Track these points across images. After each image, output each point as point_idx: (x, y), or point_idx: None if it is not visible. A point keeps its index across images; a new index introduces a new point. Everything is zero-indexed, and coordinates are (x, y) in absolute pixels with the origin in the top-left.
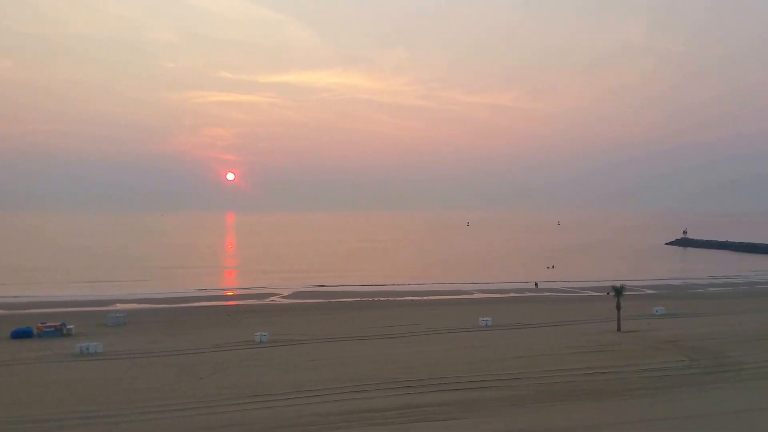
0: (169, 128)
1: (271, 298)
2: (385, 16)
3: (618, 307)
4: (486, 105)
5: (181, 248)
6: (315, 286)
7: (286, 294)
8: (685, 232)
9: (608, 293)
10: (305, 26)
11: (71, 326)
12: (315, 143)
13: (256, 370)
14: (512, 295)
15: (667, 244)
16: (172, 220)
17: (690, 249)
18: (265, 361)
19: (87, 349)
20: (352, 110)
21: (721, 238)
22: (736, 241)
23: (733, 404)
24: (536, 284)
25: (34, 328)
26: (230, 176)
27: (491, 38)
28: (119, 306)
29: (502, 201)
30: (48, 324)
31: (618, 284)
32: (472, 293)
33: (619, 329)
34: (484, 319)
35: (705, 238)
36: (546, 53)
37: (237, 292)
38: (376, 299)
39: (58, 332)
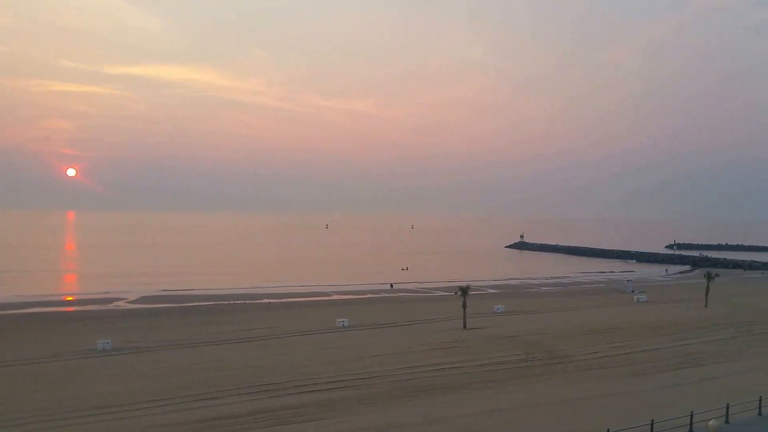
0: (2, 118)
1: (116, 303)
2: (244, 14)
3: (464, 306)
4: (344, 110)
5: (13, 250)
6: (164, 290)
7: (132, 299)
8: (522, 236)
9: (456, 293)
10: (156, 17)
11: None
12: (168, 140)
13: (98, 380)
14: (369, 296)
15: (507, 247)
16: (1, 218)
17: (526, 251)
18: (107, 371)
19: None
20: (207, 108)
21: (553, 242)
22: (566, 245)
23: (564, 393)
24: (391, 285)
25: None
26: (71, 172)
27: (350, 46)
28: None
29: (360, 204)
30: None
31: (464, 284)
32: (329, 295)
33: (465, 327)
34: (342, 320)
35: (539, 242)
36: (402, 64)
37: (77, 297)
38: (231, 303)
39: None
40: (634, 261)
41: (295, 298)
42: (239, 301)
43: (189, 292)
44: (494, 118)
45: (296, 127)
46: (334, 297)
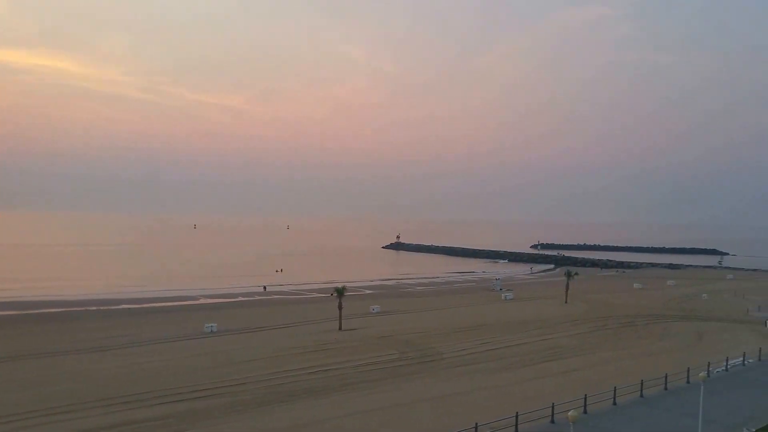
0: None
1: None
2: None
3: (339, 307)
4: (215, 105)
5: None
6: (6, 296)
7: None
8: (398, 237)
9: (332, 294)
10: None
11: None
12: (15, 130)
13: None
14: (240, 299)
15: (383, 247)
16: None
17: (402, 252)
18: None
19: None
20: (60, 97)
21: (428, 243)
22: (441, 245)
23: (435, 390)
24: (265, 288)
25: None
26: None
27: (223, 38)
28: None
29: (232, 204)
30: None
31: (340, 286)
32: (197, 299)
33: (340, 328)
34: (210, 325)
35: (415, 243)
36: (275, 61)
37: None
38: (87, 309)
39: None
40: (507, 261)
41: (159, 303)
42: (93, 308)
43: (36, 298)
44: (372, 119)
45: (161, 121)
46: (202, 301)
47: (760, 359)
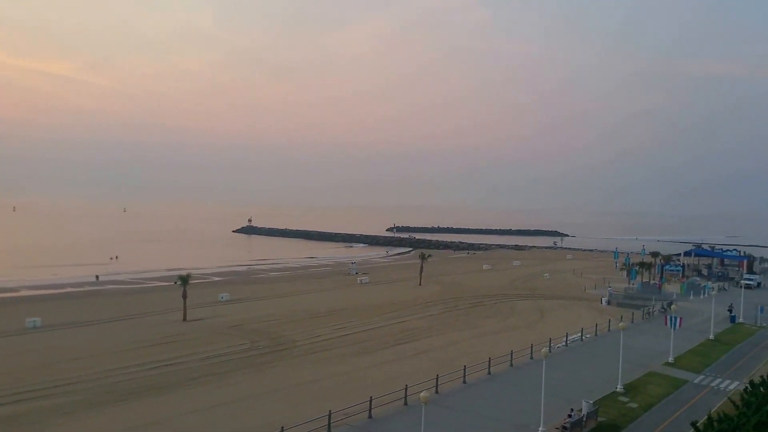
0: None
1: None
2: None
3: (184, 296)
4: (39, 72)
5: None
6: None
7: None
8: (250, 221)
9: (175, 282)
10: None
11: None
12: None
13: None
14: (69, 290)
15: (234, 231)
16: None
17: (255, 236)
18: None
19: None
20: None
21: (282, 226)
22: (296, 229)
23: (289, 379)
24: (97, 277)
25: None
26: None
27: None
28: None
29: (60, 184)
30: None
31: (185, 273)
32: (17, 290)
33: (185, 319)
34: (33, 319)
35: (267, 226)
36: (113, 24)
37: None
38: None
39: None
40: (363, 244)
41: None
42: None
43: None
44: (222, 96)
45: None
46: (23, 293)
47: (596, 334)
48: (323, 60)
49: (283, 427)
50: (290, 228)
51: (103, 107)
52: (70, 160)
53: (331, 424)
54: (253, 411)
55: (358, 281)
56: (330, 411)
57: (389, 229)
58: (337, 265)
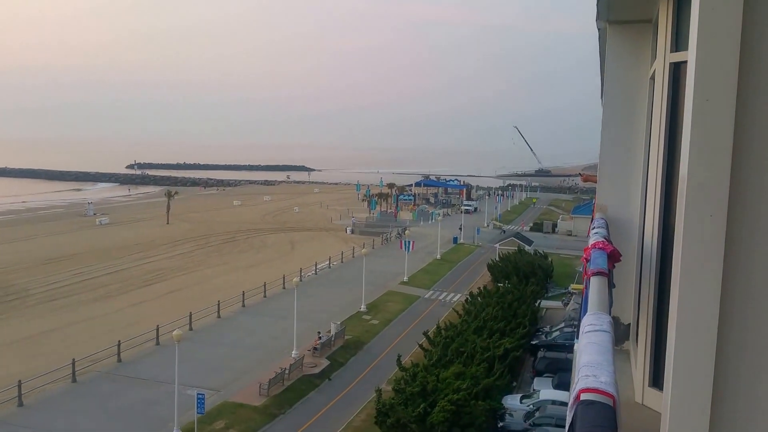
0: None
1: None
2: None
3: None
4: None
5: None
6: None
7: None
8: None
9: None
10: None
11: None
12: None
13: None
14: None
15: None
16: None
17: None
18: None
19: None
20: None
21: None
22: (16, 167)
23: (23, 331)
24: None
25: None
26: None
27: None
28: None
29: None
30: None
31: None
32: None
33: None
34: None
35: None
36: None
37: None
38: None
39: None
40: (100, 183)
41: None
42: None
43: None
44: None
45: None
46: None
47: (342, 261)
48: None
49: (20, 381)
50: (10, 167)
51: None
52: None
53: (76, 372)
54: None
55: (98, 222)
56: (73, 359)
57: (129, 166)
58: (71, 206)
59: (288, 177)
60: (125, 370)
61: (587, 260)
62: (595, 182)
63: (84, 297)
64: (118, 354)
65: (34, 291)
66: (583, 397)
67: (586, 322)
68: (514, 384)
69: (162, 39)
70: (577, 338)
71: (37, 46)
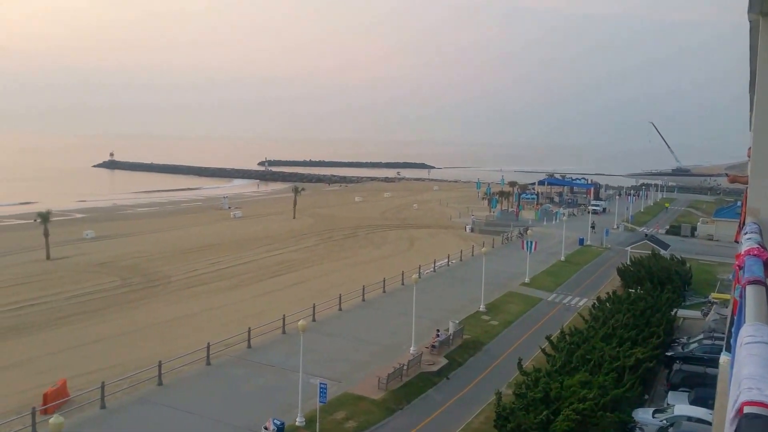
0: None
1: None
2: None
3: (46, 234)
4: None
5: None
6: None
7: None
8: (112, 155)
9: (35, 220)
10: None
11: None
12: None
13: None
14: None
15: (95, 166)
16: None
17: (118, 171)
18: None
19: None
20: None
21: (147, 161)
22: (162, 163)
23: (164, 315)
24: None
25: None
26: None
27: None
28: None
29: None
30: None
31: (44, 210)
32: None
33: (48, 257)
34: None
35: (131, 161)
36: None
37: None
38: None
39: None
40: (235, 178)
41: None
42: None
43: None
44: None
45: None
46: None
47: (461, 260)
48: None
49: (160, 361)
50: (156, 162)
51: None
52: None
53: (210, 356)
54: (128, 347)
55: (232, 215)
56: (208, 343)
57: (261, 163)
58: (208, 199)
59: (398, 173)
60: (254, 355)
61: (740, 268)
62: (745, 183)
63: (218, 285)
64: (248, 340)
65: (175, 278)
66: (747, 410)
67: (745, 334)
68: (646, 397)
69: (299, 43)
70: (726, 350)
71: (215, 55)
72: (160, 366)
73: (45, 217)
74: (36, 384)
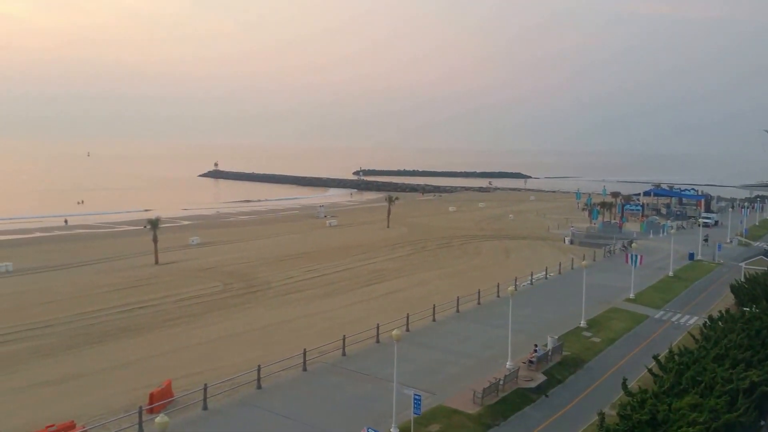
0: None
1: None
2: None
3: (154, 240)
4: None
5: None
6: None
7: None
8: (216, 165)
9: (144, 227)
10: None
11: None
12: None
13: None
14: (38, 234)
15: (200, 176)
16: None
17: (221, 180)
18: None
19: None
20: None
21: (249, 171)
22: (261, 173)
23: (262, 320)
24: (66, 221)
25: None
26: None
27: None
28: None
29: (15, 126)
30: None
31: (154, 217)
32: None
33: (157, 262)
34: (4, 264)
35: (234, 170)
36: None
37: None
38: None
39: None
40: (330, 187)
41: None
42: None
43: None
44: (171, 30)
45: None
46: None
47: (560, 273)
48: None
49: (260, 366)
50: (257, 172)
51: (47, 45)
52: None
53: (306, 362)
54: (230, 351)
55: (327, 224)
56: (305, 349)
57: (355, 173)
58: (304, 208)
59: (490, 183)
60: (349, 363)
61: None
62: None
63: (315, 292)
64: (343, 348)
65: (274, 284)
66: None
67: None
68: (762, 423)
69: (402, 60)
70: None
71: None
72: (259, 370)
73: (154, 223)
74: (143, 384)
